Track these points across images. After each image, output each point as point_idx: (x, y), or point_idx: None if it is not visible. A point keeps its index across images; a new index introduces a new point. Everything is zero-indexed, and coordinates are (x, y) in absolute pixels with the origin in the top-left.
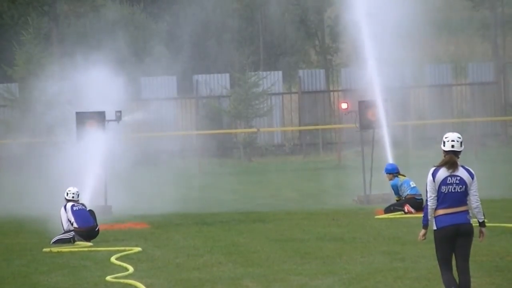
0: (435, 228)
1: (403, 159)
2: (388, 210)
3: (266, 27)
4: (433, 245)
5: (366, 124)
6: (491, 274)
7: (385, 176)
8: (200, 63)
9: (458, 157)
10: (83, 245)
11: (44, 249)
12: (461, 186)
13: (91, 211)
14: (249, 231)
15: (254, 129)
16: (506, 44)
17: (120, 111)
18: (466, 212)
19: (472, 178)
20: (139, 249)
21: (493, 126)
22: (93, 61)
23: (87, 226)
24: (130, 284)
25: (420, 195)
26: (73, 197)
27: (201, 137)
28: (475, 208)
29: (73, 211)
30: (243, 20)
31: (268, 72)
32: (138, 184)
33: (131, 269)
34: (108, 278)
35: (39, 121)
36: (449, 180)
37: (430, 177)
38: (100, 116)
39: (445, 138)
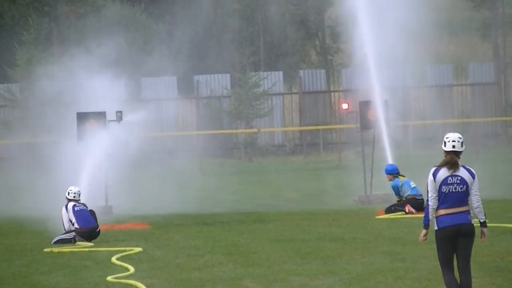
0: (436, 228)
1: (403, 159)
2: (388, 210)
3: (267, 27)
4: (434, 246)
5: (366, 125)
6: (491, 274)
7: (385, 177)
8: (200, 63)
9: (459, 157)
10: (84, 245)
11: (45, 249)
12: (462, 186)
13: (92, 212)
14: (250, 231)
15: (255, 130)
16: (507, 45)
17: (121, 111)
18: (467, 212)
19: (473, 178)
20: (139, 249)
21: (493, 126)
22: (94, 61)
23: (88, 227)
24: (131, 284)
25: (421, 195)
26: (74, 196)
27: (201, 137)
28: (476, 208)
29: (74, 212)
30: (243, 20)
31: (269, 73)
32: (138, 185)
33: (132, 269)
34: (109, 278)
35: (39, 121)
36: (450, 180)
37: (431, 177)
38: (100, 116)
39: (446, 138)
